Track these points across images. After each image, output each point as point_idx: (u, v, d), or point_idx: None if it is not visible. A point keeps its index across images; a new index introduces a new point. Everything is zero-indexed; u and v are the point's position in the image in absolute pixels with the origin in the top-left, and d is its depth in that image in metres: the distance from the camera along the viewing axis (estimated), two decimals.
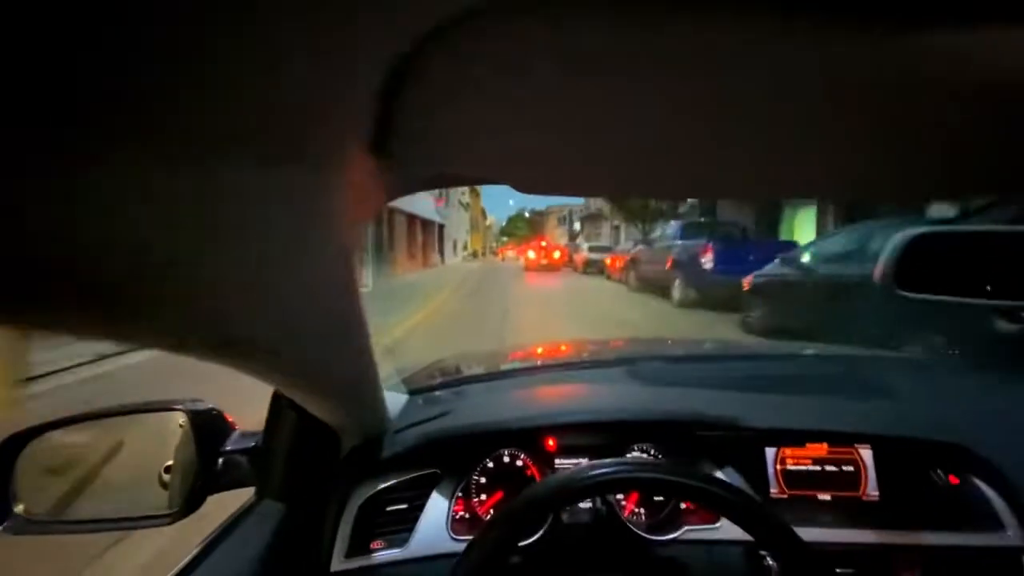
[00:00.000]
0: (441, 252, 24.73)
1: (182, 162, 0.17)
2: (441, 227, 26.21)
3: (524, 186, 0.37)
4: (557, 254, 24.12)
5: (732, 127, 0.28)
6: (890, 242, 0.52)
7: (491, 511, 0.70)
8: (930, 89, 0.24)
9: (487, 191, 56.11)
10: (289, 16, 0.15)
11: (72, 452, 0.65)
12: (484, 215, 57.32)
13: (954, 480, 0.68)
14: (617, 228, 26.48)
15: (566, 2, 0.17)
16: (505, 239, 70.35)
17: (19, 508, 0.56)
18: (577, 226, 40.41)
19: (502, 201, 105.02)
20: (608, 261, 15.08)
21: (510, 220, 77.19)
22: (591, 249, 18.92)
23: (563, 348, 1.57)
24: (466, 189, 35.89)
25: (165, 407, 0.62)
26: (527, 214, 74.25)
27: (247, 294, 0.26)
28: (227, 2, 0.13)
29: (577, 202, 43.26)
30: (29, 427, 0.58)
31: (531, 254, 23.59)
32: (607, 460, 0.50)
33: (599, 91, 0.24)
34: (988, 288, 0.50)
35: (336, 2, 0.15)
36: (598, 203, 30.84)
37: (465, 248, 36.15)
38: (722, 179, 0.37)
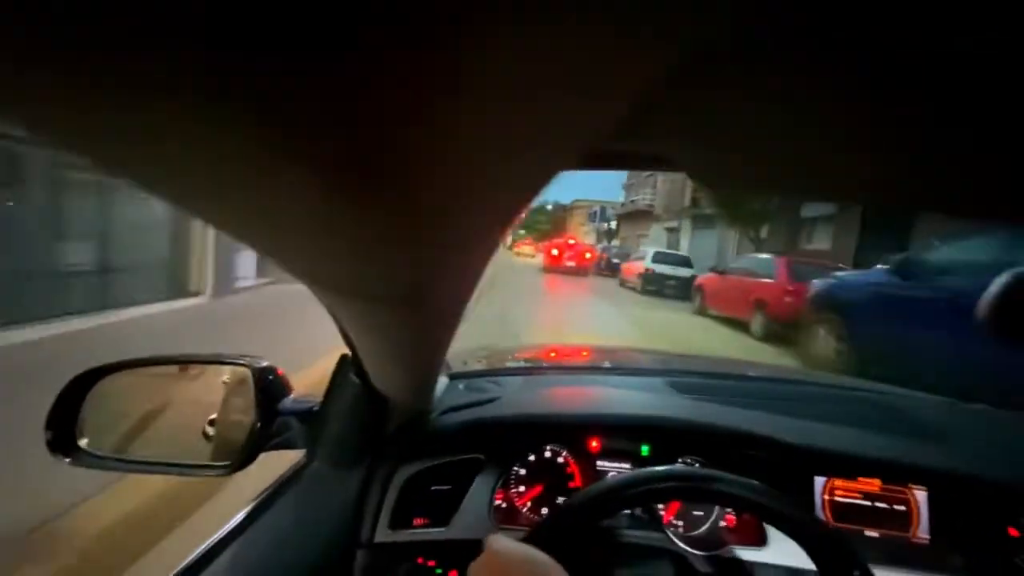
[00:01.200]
0: None
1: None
2: None
3: (710, 181, 0.37)
4: (588, 255, 18.91)
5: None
6: (996, 280, 0.44)
7: (529, 504, 0.70)
8: None
9: None
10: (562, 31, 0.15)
11: (136, 394, 0.66)
12: None
13: (1014, 532, 0.65)
14: (673, 231, 20.09)
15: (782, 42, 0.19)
16: (523, 232, 64.26)
17: (83, 443, 0.58)
18: (612, 224, 33.99)
19: None
20: (703, 285, 8.76)
21: (530, 213, 70.72)
22: (659, 259, 12.42)
23: (603, 350, 1.52)
24: None
25: (230, 360, 0.63)
26: (549, 207, 67.84)
27: (413, 240, 0.25)
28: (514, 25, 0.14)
29: (614, 198, 36.80)
30: (98, 366, 0.60)
31: (554, 252, 18.81)
32: (684, 468, 0.52)
33: (809, 104, 0.24)
34: None
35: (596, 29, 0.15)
36: (646, 198, 24.47)
37: None
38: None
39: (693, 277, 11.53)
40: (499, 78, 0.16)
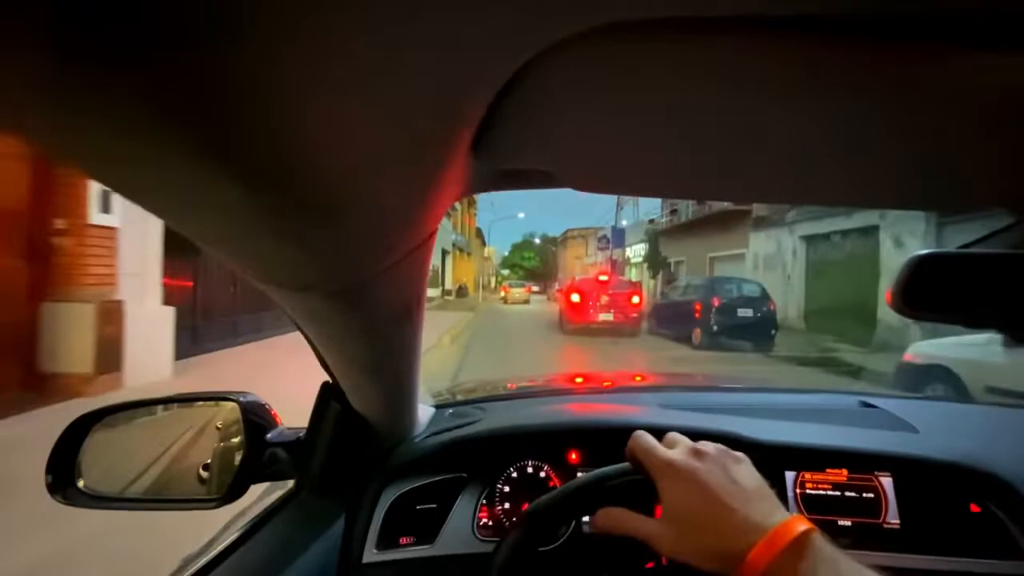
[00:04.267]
0: None
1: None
2: None
3: (591, 186, 0.40)
4: (635, 299, 10.64)
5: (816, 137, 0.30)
6: (904, 263, 0.49)
7: (514, 519, 0.71)
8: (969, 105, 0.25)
9: (485, 209, 40.04)
10: (416, 23, 0.16)
11: (133, 434, 0.69)
12: (481, 238, 40.96)
13: (975, 508, 0.68)
14: (824, 239, 9.77)
15: (650, 29, 0.20)
16: (507, 272, 54.18)
17: (81, 483, 0.60)
18: (633, 250, 23.61)
19: (507, 220, 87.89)
20: None
21: (514, 248, 60.81)
22: None
23: (589, 376, 1.56)
24: None
25: (219, 397, 0.66)
26: (537, 240, 58.02)
27: (336, 259, 0.30)
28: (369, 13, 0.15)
29: (607, 222, 26.75)
30: (97, 409, 0.63)
31: (575, 297, 10.72)
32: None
33: (677, 103, 0.27)
34: (995, 313, 0.48)
35: (452, 24, 0.17)
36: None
37: (440, 284, 19.42)
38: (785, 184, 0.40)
39: None
40: (373, 67, 0.17)
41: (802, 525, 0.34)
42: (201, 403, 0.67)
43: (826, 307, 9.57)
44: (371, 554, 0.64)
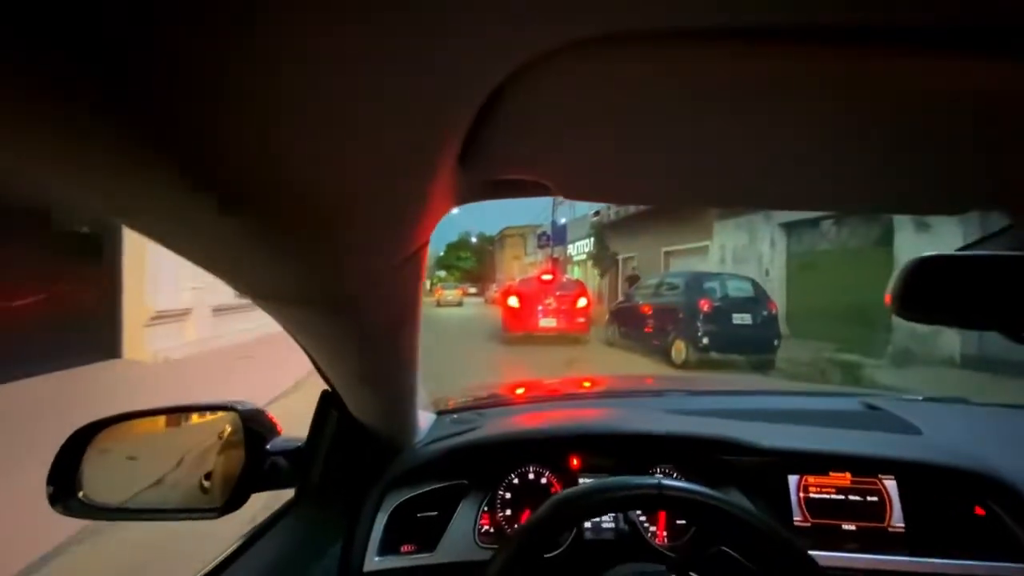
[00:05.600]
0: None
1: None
2: None
3: (586, 195, 0.39)
4: (583, 302, 9.27)
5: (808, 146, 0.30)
6: (899, 268, 0.49)
7: (516, 526, 0.70)
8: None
9: None
10: (400, 33, 0.16)
11: (134, 444, 0.67)
12: None
13: (980, 511, 0.67)
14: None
15: (639, 42, 0.20)
16: (443, 274, 51.21)
17: (81, 494, 0.60)
18: (576, 247, 21.82)
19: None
20: None
21: (449, 248, 57.82)
22: None
23: (590, 381, 1.58)
24: None
25: (220, 406, 0.65)
26: (473, 239, 55.40)
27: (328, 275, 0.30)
28: (355, 28, 0.15)
29: (542, 221, 24.80)
30: (97, 420, 0.62)
31: (512, 302, 9.33)
32: (619, 478, 0.53)
33: (668, 112, 0.27)
34: (995, 314, 0.47)
35: (440, 29, 0.16)
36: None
37: None
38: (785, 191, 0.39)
39: None
40: (363, 78, 0.17)
41: None
42: (201, 413, 0.67)
43: (816, 308, 7.95)
44: (372, 562, 0.65)
